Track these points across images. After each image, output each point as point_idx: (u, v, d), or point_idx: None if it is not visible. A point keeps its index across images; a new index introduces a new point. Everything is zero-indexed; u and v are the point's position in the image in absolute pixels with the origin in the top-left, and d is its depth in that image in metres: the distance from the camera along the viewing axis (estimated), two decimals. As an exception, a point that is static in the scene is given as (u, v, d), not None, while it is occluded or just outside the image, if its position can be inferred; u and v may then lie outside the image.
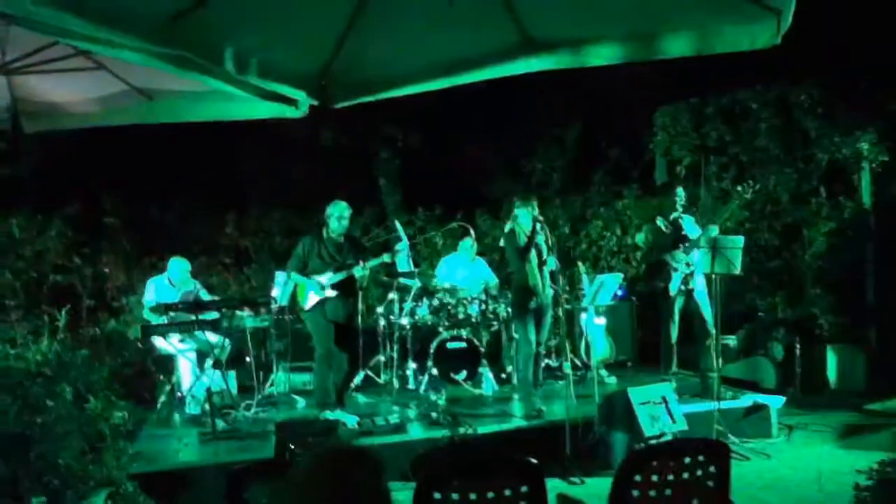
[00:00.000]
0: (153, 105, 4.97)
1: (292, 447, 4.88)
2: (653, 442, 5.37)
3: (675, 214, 7.04)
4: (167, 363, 6.89)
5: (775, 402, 6.63)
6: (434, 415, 6.16)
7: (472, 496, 2.53)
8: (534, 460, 2.63)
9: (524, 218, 6.60)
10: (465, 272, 8.06)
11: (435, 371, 7.33)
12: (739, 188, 6.77)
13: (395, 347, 7.66)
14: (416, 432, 5.99)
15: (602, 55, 3.51)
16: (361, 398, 7.38)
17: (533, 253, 6.59)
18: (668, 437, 5.48)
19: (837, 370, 8.03)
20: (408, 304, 7.66)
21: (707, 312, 6.78)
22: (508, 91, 7.97)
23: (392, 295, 7.77)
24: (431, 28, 3.60)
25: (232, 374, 7.20)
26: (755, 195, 7.19)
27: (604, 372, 7.70)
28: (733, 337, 8.35)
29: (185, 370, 6.74)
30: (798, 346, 7.99)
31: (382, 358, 7.94)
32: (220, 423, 6.12)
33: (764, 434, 6.42)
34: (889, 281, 8.15)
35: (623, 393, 5.70)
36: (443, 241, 9.64)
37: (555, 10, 3.49)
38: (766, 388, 7.48)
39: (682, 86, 9.53)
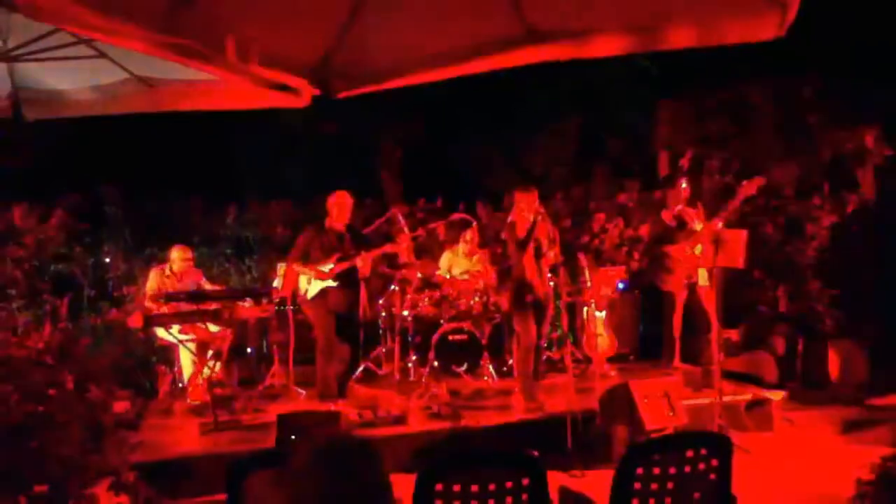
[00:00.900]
0: (154, 94, 4.95)
1: (293, 438, 4.89)
2: (654, 435, 5.37)
3: (679, 208, 7.03)
4: (168, 353, 6.89)
5: (777, 395, 6.63)
6: (435, 407, 6.16)
7: (474, 489, 2.53)
8: (535, 453, 2.63)
9: (524, 210, 6.58)
10: (466, 264, 8.05)
11: (436, 363, 7.33)
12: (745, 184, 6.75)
13: (397, 339, 7.66)
14: (416, 424, 5.98)
15: (604, 47, 3.49)
16: (362, 390, 7.39)
17: (532, 246, 6.58)
18: (670, 431, 5.49)
19: (839, 365, 8.01)
20: (409, 296, 7.66)
21: (709, 306, 6.77)
22: (509, 82, 7.94)
23: (393, 286, 7.77)
24: (433, 18, 3.58)
25: (233, 364, 7.21)
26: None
27: (605, 365, 7.70)
28: (735, 331, 8.34)
29: (186, 360, 6.74)
30: (800, 340, 7.99)
31: (384, 350, 7.94)
32: (221, 414, 6.13)
33: (765, 428, 6.42)
34: (891, 276, 8.13)
35: (625, 386, 5.69)
36: (444, 232, 9.61)
37: (558, 1, 3.47)
38: (767, 382, 7.47)
39: (684, 78, 9.51)
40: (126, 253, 8.49)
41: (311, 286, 6.57)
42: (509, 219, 6.76)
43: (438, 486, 2.51)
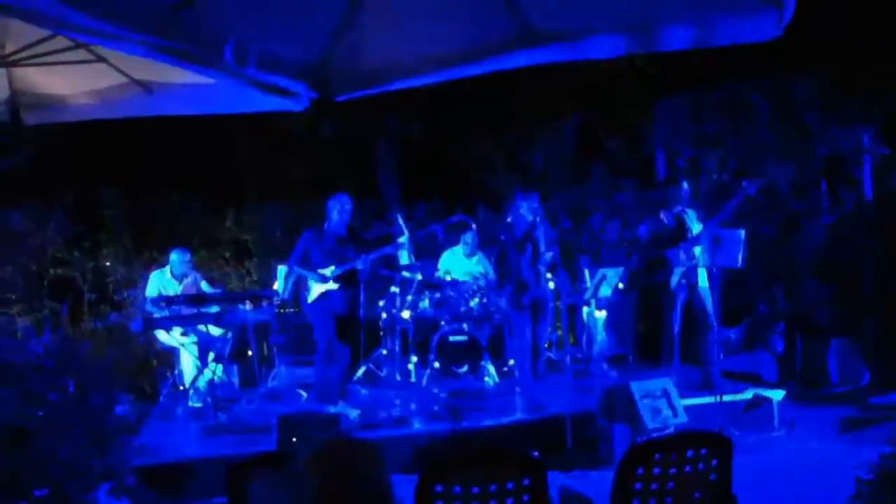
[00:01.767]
0: (153, 98, 4.95)
1: (294, 440, 4.89)
2: (655, 435, 5.37)
3: (678, 209, 7.03)
4: (169, 357, 6.89)
5: (776, 395, 6.63)
6: (436, 408, 6.17)
7: (474, 489, 2.54)
8: (535, 453, 2.63)
9: (524, 211, 6.59)
10: (466, 266, 8.06)
11: (437, 364, 7.33)
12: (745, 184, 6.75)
13: (397, 341, 7.66)
14: (417, 425, 5.99)
15: (603, 47, 3.49)
16: (363, 391, 7.39)
17: (529, 247, 6.59)
18: (670, 431, 5.49)
19: (838, 363, 8.02)
20: (409, 298, 7.66)
21: (708, 306, 6.78)
22: (508, 82, 7.94)
23: (393, 288, 7.77)
24: (431, 21, 3.59)
25: (234, 367, 7.21)
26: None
27: (605, 365, 7.70)
28: (734, 330, 8.35)
29: (187, 364, 6.75)
30: (799, 339, 7.99)
31: (384, 351, 7.94)
32: (222, 417, 6.13)
33: (765, 427, 6.42)
34: (890, 274, 8.14)
35: (625, 386, 5.69)
36: (444, 234, 9.61)
37: (556, 2, 3.48)
38: (766, 381, 7.48)
39: (681, 78, 9.51)
40: (125, 256, 8.49)
41: (311, 289, 6.58)
42: (508, 219, 6.78)
43: (439, 487, 2.51)
